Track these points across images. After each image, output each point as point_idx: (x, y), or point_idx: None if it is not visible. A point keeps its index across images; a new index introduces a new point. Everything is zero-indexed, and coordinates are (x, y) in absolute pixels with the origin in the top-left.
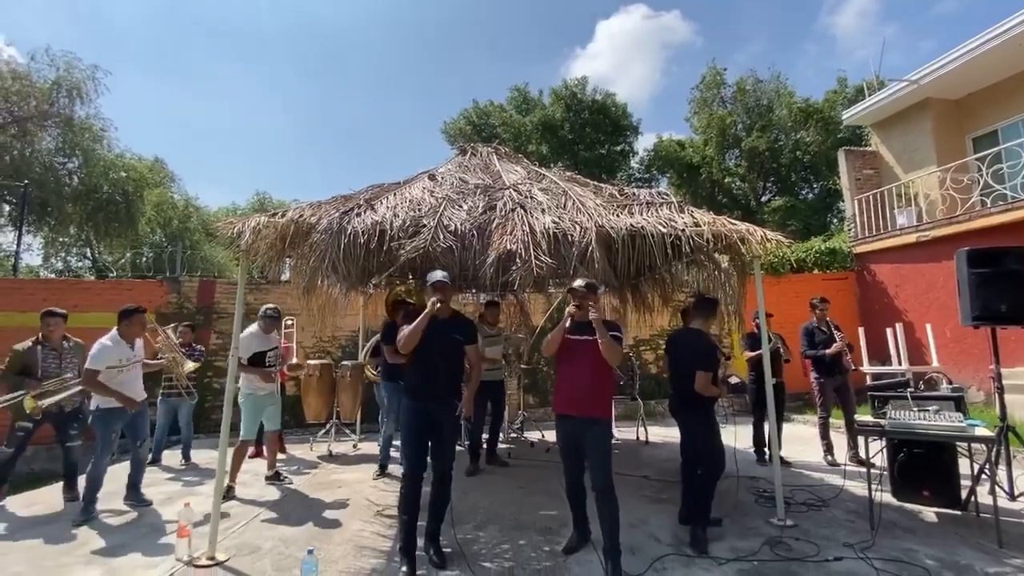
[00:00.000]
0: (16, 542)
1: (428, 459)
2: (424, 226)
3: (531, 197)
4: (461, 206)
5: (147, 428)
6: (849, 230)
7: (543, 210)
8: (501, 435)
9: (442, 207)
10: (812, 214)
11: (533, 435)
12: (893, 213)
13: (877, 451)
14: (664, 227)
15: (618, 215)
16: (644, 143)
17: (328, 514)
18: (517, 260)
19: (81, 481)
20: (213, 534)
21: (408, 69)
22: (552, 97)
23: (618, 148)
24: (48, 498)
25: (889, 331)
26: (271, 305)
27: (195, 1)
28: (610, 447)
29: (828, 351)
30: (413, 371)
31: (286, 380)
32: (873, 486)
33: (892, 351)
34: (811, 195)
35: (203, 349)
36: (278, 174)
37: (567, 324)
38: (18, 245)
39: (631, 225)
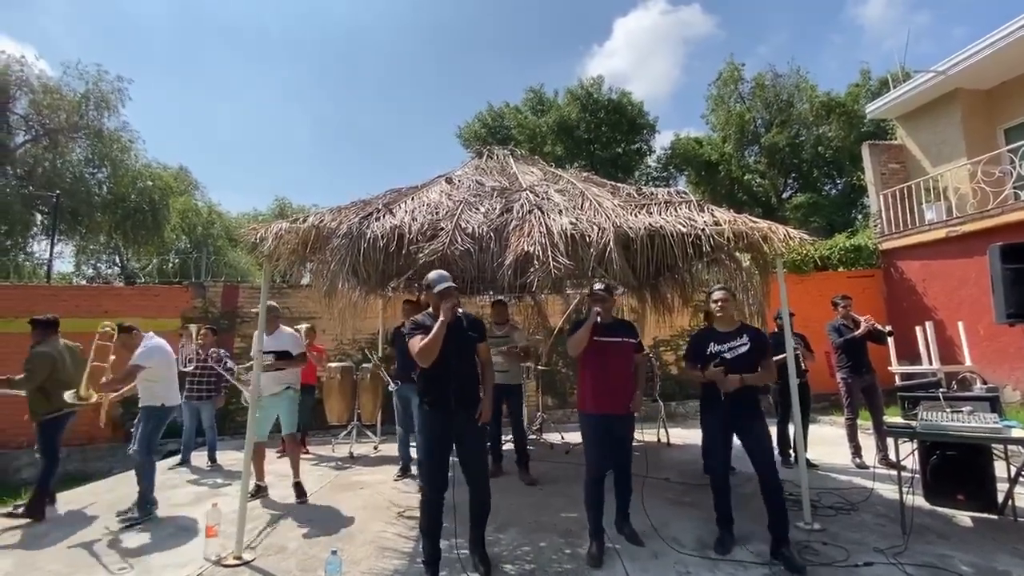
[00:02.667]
0: (51, 540)
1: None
2: (442, 229)
3: (548, 198)
4: (478, 209)
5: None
6: (875, 226)
7: (560, 211)
8: None
9: (459, 210)
10: (835, 210)
11: (552, 437)
12: (921, 208)
13: (908, 453)
14: (683, 226)
15: (636, 215)
16: (662, 141)
17: (351, 516)
18: (535, 262)
19: (107, 483)
20: (240, 534)
21: (425, 71)
22: (567, 97)
23: (635, 147)
24: (82, 498)
25: (919, 329)
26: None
27: (214, 8)
28: (633, 438)
29: (858, 331)
30: (429, 379)
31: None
32: (904, 489)
33: (922, 350)
34: (834, 191)
35: (228, 354)
36: (297, 179)
37: (592, 326)
38: (51, 253)
39: (649, 225)
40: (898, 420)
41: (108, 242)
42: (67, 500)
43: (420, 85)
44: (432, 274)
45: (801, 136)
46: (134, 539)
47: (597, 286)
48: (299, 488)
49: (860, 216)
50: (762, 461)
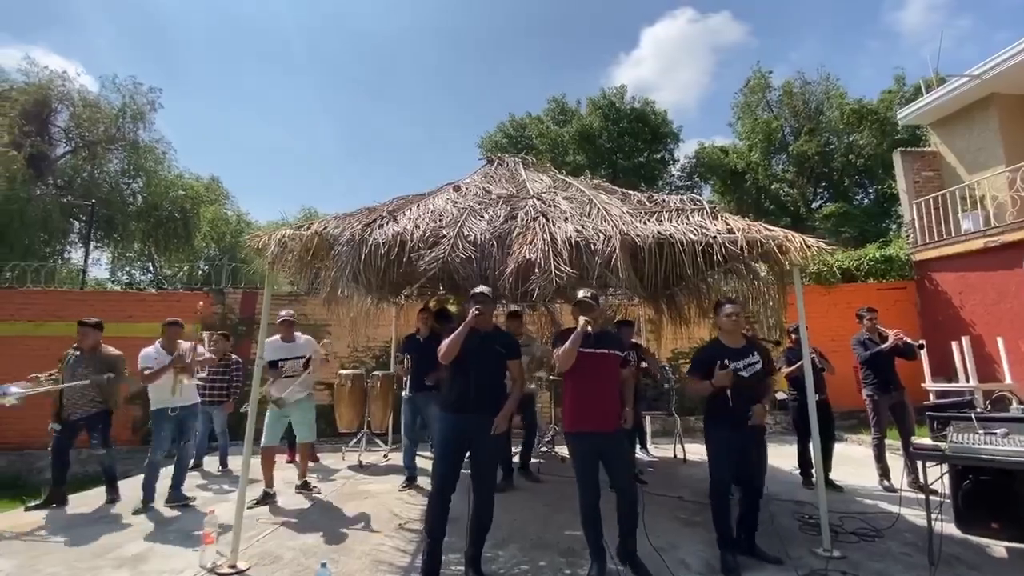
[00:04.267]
0: (57, 542)
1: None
2: (444, 236)
3: (554, 206)
4: (482, 216)
5: (194, 429)
6: (907, 236)
7: (566, 218)
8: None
9: (463, 217)
10: (867, 220)
11: (564, 450)
12: (957, 217)
13: (937, 477)
14: (694, 234)
15: (645, 223)
16: (688, 150)
17: (351, 526)
18: (536, 270)
19: (129, 483)
20: (235, 543)
21: (452, 82)
22: (589, 107)
23: (658, 156)
24: (93, 500)
25: (954, 345)
26: (285, 312)
27: (247, 21)
28: (633, 458)
29: (884, 345)
30: (451, 384)
31: None
32: (933, 516)
33: (958, 367)
34: (866, 201)
35: (239, 361)
36: (325, 187)
37: (580, 337)
38: (86, 260)
39: (658, 233)
40: (926, 441)
41: (142, 250)
42: (77, 503)
43: (448, 95)
44: (479, 285)
45: (831, 144)
46: (136, 544)
47: (583, 293)
48: (306, 484)
49: (894, 226)
50: (758, 478)
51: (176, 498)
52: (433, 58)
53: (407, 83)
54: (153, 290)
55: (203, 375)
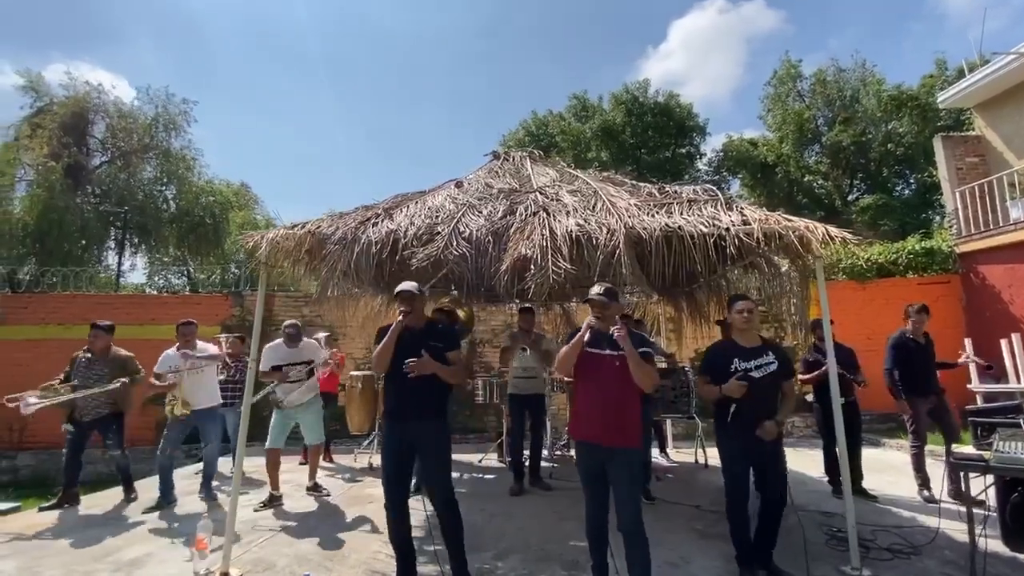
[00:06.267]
0: (59, 544)
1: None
2: (438, 233)
3: (557, 199)
4: (480, 212)
5: (215, 432)
6: (950, 227)
7: (568, 212)
8: (545, 452)
9: (460, 213)
10: (908, 212)
11: None
12: (1004, 205)
13: (983, 489)
14: (706, 226)
15: (653, 215)
16: (716, 144)
17: (350, 532)
18: (531, 266)
19: (147, 482)
20: (227, 549)
21: (477, 81)
22: (612, 102)
23: (684, 150)
24: (104, 501)
25: (1004, 343)
26: (290, 321)
27: (270, 24)
28: (640, 485)
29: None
30: (387, 391)
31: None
32: (978, 531)
33: (1008, 366)
34: (907, 191)
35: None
36: (352, 189)
37: (585, 337)
38: (119, 265)
39: (666, 225)
40: (969, 450)
41: (176, 255)
42: (89, 504)
43: (473, 94)
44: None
45: (868, 133)
46: (135, 548)
47: (596, 290)
48: (316, 486)
49: (937, 218)
50: (774, 487)
51: (209, 496)
52: (458, 59)
53: (433, 84)
54: (188, 293)
55: (221, 377)
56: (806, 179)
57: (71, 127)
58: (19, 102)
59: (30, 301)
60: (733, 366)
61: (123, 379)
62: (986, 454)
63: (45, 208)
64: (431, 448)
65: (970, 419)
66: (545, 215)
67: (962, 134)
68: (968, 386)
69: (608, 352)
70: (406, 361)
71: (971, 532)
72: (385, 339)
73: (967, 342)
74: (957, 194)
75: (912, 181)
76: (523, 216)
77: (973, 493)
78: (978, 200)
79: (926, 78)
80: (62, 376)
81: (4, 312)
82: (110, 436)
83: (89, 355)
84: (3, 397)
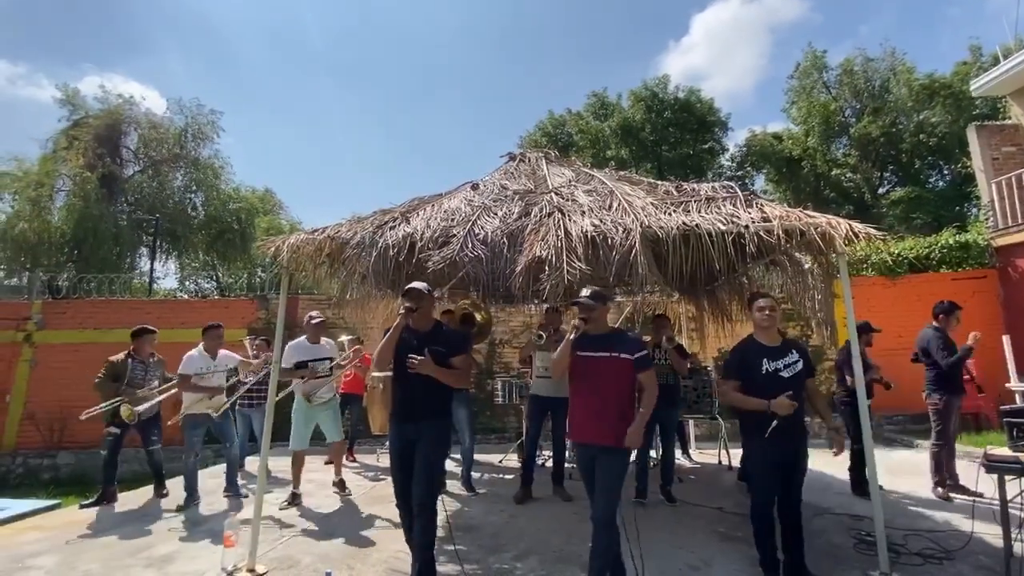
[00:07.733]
0: (97, 540)
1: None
2: (454, 236)
3: (572, 200)
4: (495, 214)
5: (231, 433)
6: (986, 219)
7: (583, 212)
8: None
9: (476, 215)
10: (943, 204)
11: None
12: None
13: (1018, 492)
14: (724, 224)
15: (670, 214)
16: (739, 139)
17: (372, 531)
18: (546, 267)
19: (179, 480)
20: (253, 546)
21: (497, 80)
22: (631, 99)
23: (705, 146)
24: (138, 498)
25: None
26: (315, 312)
27: (296, 35)
28: (620, 481)
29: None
30: (393, 391)
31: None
32: (1013, 535)
33: None
34: (941, 183)
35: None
36: (374, 193)
37: (571, 337)
38: (151, 271)
39: (683, 224)
40: (1004, 451)
41: (205, 260)
42: (125, 501)
43: (493, 96)
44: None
45: (900, 124)
46: (167, 544)
47: (584, 293)
48: (341, 483)
49: (973, 210)
50: (796, 499)
51: (233, 491)
52: (478, 59)
53: (454, 87)
54: (216, 297)
55: (249, 379)
56: (833, 173)
57: (105, 138)
58: (57, 114)
59: (68, 307)
60: (764, 367)
61: (172, 379)
62: (1022, 456)
63: (81, 217)
64: (424, 447)
65: (1005, 419)
66: (560, 215)
67: (998, 123)
68: (1006, 385)
69: (599, 354)
70: (409, 356)
71: (1006, 536)
72: (386, 339)
73: (1005, 339)
74: (993, 185)
75: (947, 172)
76: (538, 217)
77: (1004, 497)
78: (1016, 191)
79: (960, 65)
80: (101, 375)
81: (44, 318)
82: (154, 433)
83: (153, 358)
84: (83, 413)
